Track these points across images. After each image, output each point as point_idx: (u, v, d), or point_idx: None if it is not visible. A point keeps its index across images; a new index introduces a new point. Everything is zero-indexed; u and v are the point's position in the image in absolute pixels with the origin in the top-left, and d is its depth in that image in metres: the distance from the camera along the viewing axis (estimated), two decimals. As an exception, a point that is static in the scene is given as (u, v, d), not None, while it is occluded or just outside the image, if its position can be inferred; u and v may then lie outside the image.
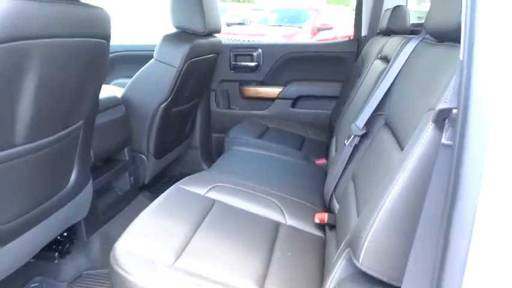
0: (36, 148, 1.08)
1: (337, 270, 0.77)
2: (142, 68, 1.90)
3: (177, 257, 0.99)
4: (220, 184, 1.37)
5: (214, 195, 1.32)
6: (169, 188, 1.33)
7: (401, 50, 1.16)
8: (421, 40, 1.11)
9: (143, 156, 1.98)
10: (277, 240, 1.18)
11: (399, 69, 1.12)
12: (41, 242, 1.31)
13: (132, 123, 1.90)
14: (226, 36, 6.70)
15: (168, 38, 1.87)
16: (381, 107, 1.16)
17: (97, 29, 1.19)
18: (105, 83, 2.66)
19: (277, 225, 1.25)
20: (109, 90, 2.35)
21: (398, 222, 0.65)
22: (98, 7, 1.19)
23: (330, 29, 7.23)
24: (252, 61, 2.54)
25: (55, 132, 1.15)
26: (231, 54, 2.53)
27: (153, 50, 1.88)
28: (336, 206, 1.24)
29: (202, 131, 2.53)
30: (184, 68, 1.86)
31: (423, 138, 0.62)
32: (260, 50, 2.53)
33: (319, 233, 1.25)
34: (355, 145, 1.21)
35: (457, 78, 0.53)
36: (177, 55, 1.82)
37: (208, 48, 2.07)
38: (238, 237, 1.14)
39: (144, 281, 0.91)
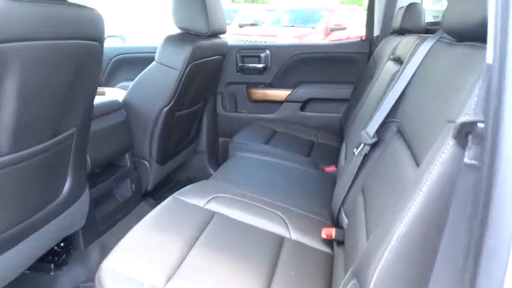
0: (21, 158, 1.02)
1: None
2: (144, 71, 1.83)
3: (169, 279, 0.91)
4: (220, 195, 1.28)
5: (214, 206, 1.24)
6: (166, 200, 1.25)
7: (416, 50, 1.06)
8: (437, 40, 1.01)
9: (145, 162, 1.91)
10: (280, 257, 1.09)
11: (413, 71, 1.02)
12: (35, 253, 1.26)
13: (134, 128, 1.83)
14: (238, 38, 6.73)
15: (170, 40, 1.80)
16: (393, 113, 1.06)
17: (88, 30, 1.12)
18: (110, 86, 2.65)
19: (280, 240, 1.16)
20: (113, 93, 2.30)
21: (412, 252, 0.56)
22: (89, 7, 1.12)
23: (344, 29, 7.16)
24: (259, 63, 2.46)
25: (42, 141, 1.08)
26: (238, 55, 2.45)
27: None
28: (345, 220, 1.14)
29: (209, 135, 2.46)
30: (186, 70, 1.78)
31: (442, 156, 0.52)
32: (268, 51, 2.44)
33: (326, 249, 1.16)
34: (365, 154, 1.11)
35: (483, 85, 0.44)
36: (179, 57, 1.75)
37: (213, 49, 1.99)
38: (238, 254, 1.05)
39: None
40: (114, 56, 2.67)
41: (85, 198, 1.42)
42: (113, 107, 1.71)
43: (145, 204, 1.95)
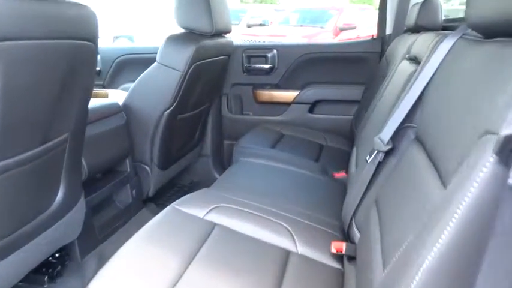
0: (8, 166, 0.95)
1: None
2: (145, 72, 1.75)
3: (162, 301, 0.83)
4: (222, 204, 1.20)
5: (214, 217, 1.16)
6: (164, 210, 1.17)
7: (436, 49, 0.97)
8: (460, 37, 0.91)
9: (147, 167, 1.84)
10: (286, 273, 1.00)
11: (433, 72, 0.92)
12: (27, 265, 1.19)
13: (134, 131, 1.76)
14: (246, 38, 6.69)
15: (172, 40, 1.72)
16: (410, 118, 0.97)
17: (80, 29, 1.04)
18: (113, 88, 2.58)
19: (286, 254, 1.07)
20: (116, 95, 2.23)
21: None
22: (81, 5, 1.05)
23: (353, 28, 7.09)
24: (266, 63, 2.37)
25: (31, 148, 1.01)
26: (244, 55, 2.36)
27: None
28: (356, 234, 1.05)
29: (214, 138, 2.38)
30: (189, 71, 1.70)
31: (480, 175, 0.43)
32: (275, 51, 2.35)
33: (336, 265, 1.07)
34: (379, 162, 1.01)
35: None
36: (181, 58, 1.67)
37: (217, 49, 1.91)
38: (240, 270, 0.97)
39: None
40: (118, 57, 2.60)
41: (80, 207, 1.34)
42: (112, 110, 1.64)
43: (147, 210, 1.88)
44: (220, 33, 1.90)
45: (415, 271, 0.47)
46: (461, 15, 1.59)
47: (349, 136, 2.16)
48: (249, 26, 7.74)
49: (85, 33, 1.06)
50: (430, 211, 0.53)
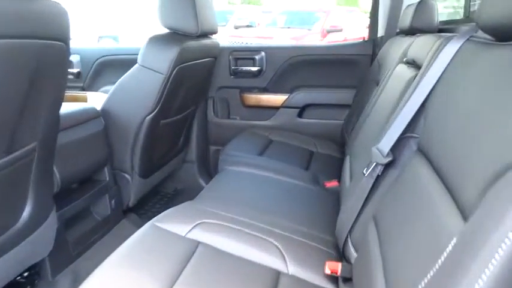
0: None
1: None
2: (125, 74, 1.64)
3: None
4: (206, 220, 1.10)
5: (198, 235, 1.06)
6: (142, 228, 1.06)
7: (439, 52, 0.89)
8: (467, 39, 0.83)
9: (127, 175, 1.73)
10: (276, 297, 0.91)
11: (437, 78, 0.84)
12: (-8, 286, 1.08)
13: (113, 138, 1.65)
14: (233, 39, 6.63)
15: (155, 40, 1.61)
16: (411, 128, 0.89)
17: (49, 28, 0.94)
18: (93, 90, 2.46)
19: (276, 275, 0.98)
20: (96, 98, 2.11)
21: None
22: (51, 1, 0.94)
23: (340, 30, 7.07)
24: (254, 65, 2.27)
25: None
26: (231, 57, 2.26)
27: None
28: (353, 253, 0.96)
29: (199, 143, 2.28)
30: (173, 74, 1.60)
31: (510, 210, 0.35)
32: (263, 53, 2.26)
33: (330, 287, 0.98)
34: (377, 176, 0.93)
35: None
36: (164, 60, 1.57)
37: (203, 51, 1.81)
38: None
39: None
40: (99, 58, 2.48)
41: (51, 222, 1.23)
42: (89, 115, 1.53)
43: (127, 221, 1.76)
44: (205, 34, 1.80)
45: None
46: (444, 18, 1.52)
47: (340, 141, 2.08)
48: (236, 28, 7.67)
49: (55, 33, 0.96)
50: (453, 245, 0.45)
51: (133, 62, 1.66)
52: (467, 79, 0.73)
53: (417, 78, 0.98)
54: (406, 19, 1.59)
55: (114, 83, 1.71)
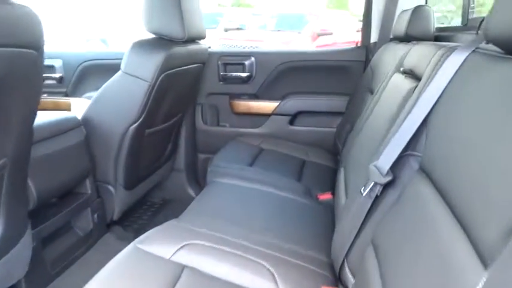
0: None
1: None
2: (107, 82, 1.56)
3: None
4: (192, 242, 1.03)
5: (183, 258, 0.98)
6: (123, 251, 0.99)
7: (441, 63, 0.83)
8: (473, 51, 0.77)
9: (110, 187, 1.64)
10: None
11: (440, 92, 0.79)
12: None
13: (95, 148, 1.57)
14: (223, 42, 6.56)
15: (139, 46, 1.54)
16: (412, 145, 0.83)
17: (18, 34, 0.86)
18: (76, 96, 2.37)
19: (268, 302, 0.91)
20: (80, 105, 2.02)
21: None
22: (18, 4, 0.86)
23: (330, 34, 7.06)
24: (243, 71, 2.20)
25: None
26: (220, 63, 2.19)
27: None
28: (350, 278, 0.90)
29: (188, 152, 2.20)
30: (158, 82, 1.52)
31: None
32: (253, 59, 2.19)
33: (325, 313, 0.92)
34: (376, 195, 0.87)
35: None
36: (149, 67, 1.49)
37: (190, 57, 1.74)
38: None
39: None
40: (82, 63, 2.39)
41: (26, 241, 1.14)
42: (69, 125, 1.45)
43: (111, 235, 1.68)
44: (193, 40, 1.73)
45: None
46: (436, 25, 1.47)
47: (332, 150, 2.02)
48: (226, 30, 7.60)
49: (24, 39, 0.88)
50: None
51: (119, 67, 1.58)
52: (474, 95, 0.67)
53: (417, 90, 0.92)
54: (400, 25, 1.54)
55: (98, 88, 1.63)
